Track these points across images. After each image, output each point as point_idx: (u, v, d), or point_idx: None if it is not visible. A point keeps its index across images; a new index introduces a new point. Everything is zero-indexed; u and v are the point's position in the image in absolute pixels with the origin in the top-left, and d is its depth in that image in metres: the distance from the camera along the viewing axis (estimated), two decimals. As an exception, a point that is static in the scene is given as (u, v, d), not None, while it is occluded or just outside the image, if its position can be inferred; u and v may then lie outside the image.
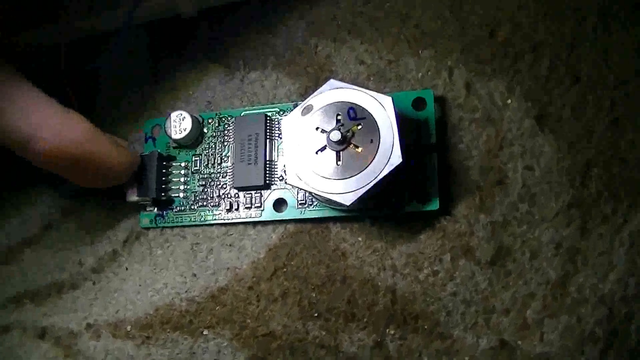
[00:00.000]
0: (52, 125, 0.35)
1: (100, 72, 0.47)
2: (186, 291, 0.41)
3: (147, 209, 0.42)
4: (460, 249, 0.37)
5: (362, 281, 0.38)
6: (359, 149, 0.35)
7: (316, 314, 0.38)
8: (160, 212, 0.42)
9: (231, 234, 0.41)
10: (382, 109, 0.35)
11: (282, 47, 0.43)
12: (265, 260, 0.40)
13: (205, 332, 0.40)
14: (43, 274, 0.44)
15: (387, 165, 0.34)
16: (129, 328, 0.41)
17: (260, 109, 0.41)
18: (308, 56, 0.42)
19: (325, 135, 0.35)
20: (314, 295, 0.38)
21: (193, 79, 0.45)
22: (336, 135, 0.35)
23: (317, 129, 0.36)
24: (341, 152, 0.35)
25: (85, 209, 0.45)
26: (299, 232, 0.40)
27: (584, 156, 0.36)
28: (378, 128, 0.35)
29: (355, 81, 0.39)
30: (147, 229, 0.43)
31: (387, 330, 0.37)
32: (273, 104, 0.42)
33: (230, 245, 0.41)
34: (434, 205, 0.36)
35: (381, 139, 0.34)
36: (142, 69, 0.46)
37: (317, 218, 0.39)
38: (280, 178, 0.40)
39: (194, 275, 0.41)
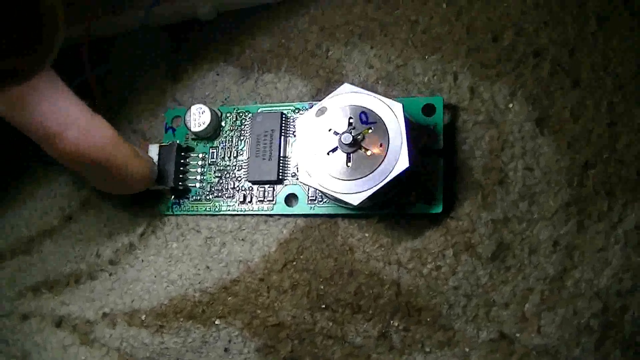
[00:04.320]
0: (78, 127, 0.35)
1: (115, 71, 0.47)
2: (199, 282, 0.41)
3: (166, 198, 0.43)
4: (463, 245, 0.37)
5: (369, 275, 0.38)
6: (369, 152, 0.35)
7: (324, 306, 0.39)
8: (177, 201, 0.42)
9: (244, 229, 0.41)
10: (392, 114, 0.35)
11: (296, 50, 0.43)
12: (276, 254, 0.40)
13: (217, 322, 0.40)
14: (62, 264, 0.45)
15: (395, 169, 0.34)
16: (143, 317, 0.42)
17: (277, 107, 0.42)
18: (320, 59, 0.43)
19: (337, 137, 0.36)
20: (322, 287, 0.39)
21: (210, 79, 0.45)
22: (348, 138, 0.35)
23: (329, 130, 0.36)
24: (351, 154, 0.35)
25: (104, 203, 0.45)
26: (309, 227, 0.40)
27: (582, 157, 0.37)
28: (388, 133, 0.35)
29: (364, 84, 0.40)
30: (163, 222, 0.43)
31: (392, 321, 0.37)
32: (289, 102, 0.42)
33: (242, 239, 0.41)
34: (438, 209, 0.37)
35: (390, 144, 0.35)
36: (161, 69, 0.46)
37: (327, 214, 0.39)
38: (293, 174, 0.40)
39: (208, 267, 0.41)
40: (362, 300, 0.38)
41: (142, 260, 0.43)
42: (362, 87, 0.36)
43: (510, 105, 0.38)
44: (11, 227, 0.46)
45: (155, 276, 0.42)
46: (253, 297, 0.40)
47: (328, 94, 0.37)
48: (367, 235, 0.39)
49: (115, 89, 0.47)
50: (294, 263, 0.40)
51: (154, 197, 0.43)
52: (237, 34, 0.45)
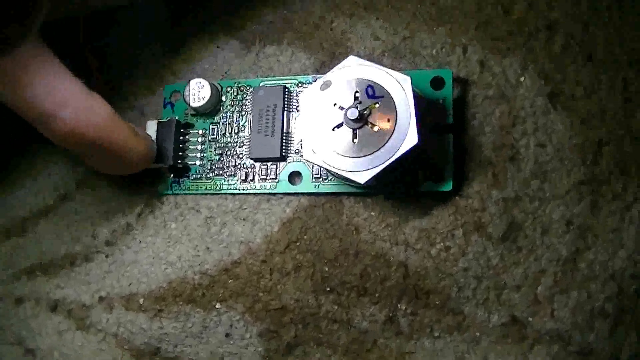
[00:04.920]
0: (74, 106, 0.34)
1: (113, 45, 0.46)
2: (199, 264, 0.41)
3: (165, 176, 0.42)
4: (473, 225, 0.37)
5: (375, 256, 0.38)
6: (376, 128, 0.34)
7: (328, 288, 0.38)
8: (177, 179, 0.42)
9: (245, 208, 0.41)
10: (400, 88, 0.34)
11: (299, 22, 0.43)
12: (278, 234, 0.39)
13: (217, 306, 0.40)
14: (57, 246, 0.44)
15: (403, 146, 0.34)
16: (141, 301, 0.41)
17: (279, 80, 0.41)
18: (324, 32, 0.42)
19: (342, 112, 0.35)
20: (326, 269, 0.38)
21: (209, 52, 0.44)
22: (353, 113, 0.34)
23: (334, 105, 0.35)
24: (358, 130, 0.35)
25: (100, 181, 0.44)
26: (313, 206, 0.39)
27: (596, 134, 0.36)
28: (395, 107, 0.34)
29: (370, 57, 0.38)
30: (162, 201, 0.42)
31: (399, 305, 0.37)
32: (292, 75, 0.41)
33: (244, 219, 0.41)
34: (448, 187, 0.36)
35: (398, 119, 0.34)
36: (159, 42, 0.46)
37: (331, 192, 0.39)
38: (297, 151, 0.40)
39: (208, 248, 0.41)
40: (368, 282, 0.38)
41: (140, 242, 0.42)
42: (370, 61, 0.35)
43: (522, 80, 0.38)
44: (4, 207, 0.46)
45: (153, 258, 0.42)
46: (255, 279, 0.39)
47: (333, 67, 0.36)
48: (373, 214, 0.38)
49: (113, 64, 0.46)
50: (298, 244, 0.39)
51: (152, 176, 0.42)
52: (238, 5, 0.44)
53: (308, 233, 0.39)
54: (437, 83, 0.38)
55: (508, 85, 0.38)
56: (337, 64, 0.36)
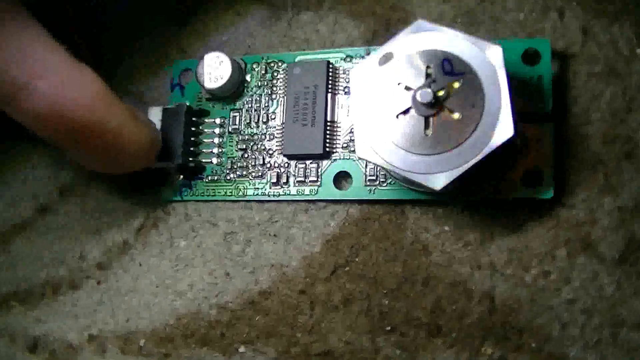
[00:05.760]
0: (54, 77, 0.31)
1: (106, 14, 0.43)
2: (217, 295, 0.37)
3: (171, 178, 0.39)
4: (579, 243, 0.33)
5: (450, 284, 0.34)
6: (456, 115, 0.30)
7: (389, 327, 0.34)
8: (187, 182, 0.39)
9: (276, 221, 0.37)
10: (487, 62, 0.30)
11: None
12: (321, 256, 0.36)
13: (241, 349, 0.36)
14: (36, 269, 0.41)
15: (494, 139, 0.29)
16: (142, 342, 0.38)
17: (320, 54, 0.37)
18: None
19: (410, 93, 0.31)
20: (386, 302, 0.35)
21: (228, 21, 0.41)
22: (426, 96, 0.30)
23: (399, 84, 0.31)
24: (431, 118, 0.30)
25: (89, 188, 0.42)
26: (366, 219, 0.36)
27: None
28: (482, 88, 0.30)
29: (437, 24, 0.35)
30: (168, 212, 0.39)
31: (483, 348, 0.33)
32: (337, 48, 0.38)
33: (275, 235, 0.37)
34: (547, 194, 0.32)
35: (486, 103, 0.30)
36: (166, 8, 0.42)
37: (391, 200, 0.35)
38: (345, 146, 0.36)
39: (227, 274, 0.37)
40: (442, 319, 0.34)
41: (140, 264, 0.39)
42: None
43: (638, 51, 0.33)
44: (-30, 221, 0.44)
45: (157, 286, 0.38)
46: (291, 315, 0.36)
47: (389, 38, 0.32)
48: (447, 229, 0.35)
49: (106, 37, 0.43)
50: (347, 269, 0.35)
51: (155, 179, 0.39)
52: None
53: (361, 254, 0.35)
54: (530, 57, 0.34)
55: (620, 59, 0.34)
56: (393, 34, 0.32)
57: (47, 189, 0.42)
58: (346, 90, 0.37)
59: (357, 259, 0.35)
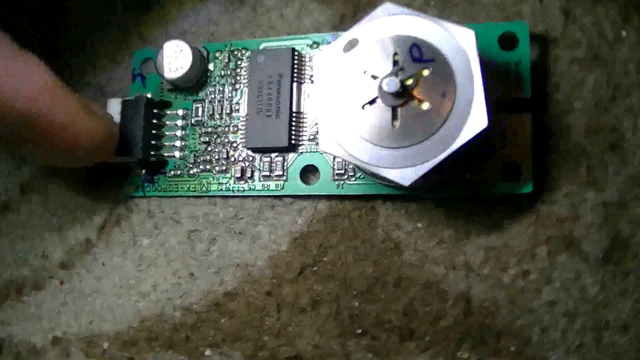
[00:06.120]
0: None
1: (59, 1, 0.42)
2: (181, 296, 0.36)
3: (133, 173, 0.38)
4: (561, 241, 0.32)
5: (424, 284, 0.33)
6: (425, 105, 0.29)
7: (360, 330, 0.34)
8: (150, 177, 0.38)
9: (241, 217, 0.36)
10: (459, 48, 0.29)
11: None
12: (288, 255, 0.35)
13: (207, 353, 0.36)
14: None
15: (466, 131, 0.28)
16: (106, 345, 0.37)
17: (285, 41, 0.36)
18: None
19: (376, 82, 0.29)
20: (356, 304, 0.34)
21: (189, 7, 0.40)
22: (393, 85, 0.28)
23: (364, 72, 0.30)
24: (399, 109, 0.29)
25: (51, 185, 0.41)
26: (335, 215, 0.35)
27: None
28: (454, 76, 0.28)
29: (410, 7, 0.32)
30: (130, 208, 0.38)
31: (459, 352, 0.33)
32: (303, 34, 0.37)
33: (240, 233, 0.36)
34: (527, 188, 0.32)
35: (458, 92, 0.28)
36: None
37: (360, 195, 0.34)
38: (312, 138, 0.35)
39: (192, 274, 0.36)
40: (415, 321, 0.33)
41: (103, 264, 0.38)
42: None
43: (623, 34, 0.33)
44: None
45: (120, 287, 0.37)
46: (257, 317, 0.35)
47: (358, 21, 0.30)
48: (420, 226, 0.34)
49: (60, 26, 0.42)
50: (315, 268, 0.34)
51: (116, 175, 0.38)
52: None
53: (329, 254, 0.34)
54: (508, 41, 0.33)
55: (604, 43, 0.33)
56: (364, 16, 0.31)
57: (6, 186, 0.42)
58: (312, 79, 0.35)
59: (325, 259, 0.35)
